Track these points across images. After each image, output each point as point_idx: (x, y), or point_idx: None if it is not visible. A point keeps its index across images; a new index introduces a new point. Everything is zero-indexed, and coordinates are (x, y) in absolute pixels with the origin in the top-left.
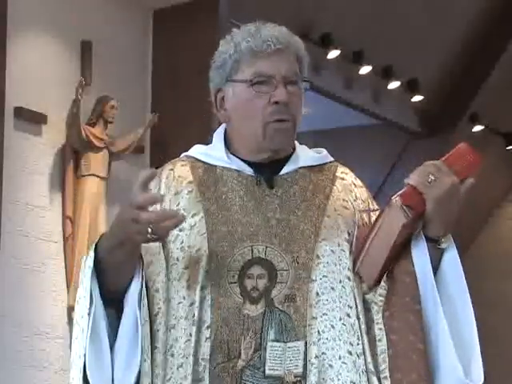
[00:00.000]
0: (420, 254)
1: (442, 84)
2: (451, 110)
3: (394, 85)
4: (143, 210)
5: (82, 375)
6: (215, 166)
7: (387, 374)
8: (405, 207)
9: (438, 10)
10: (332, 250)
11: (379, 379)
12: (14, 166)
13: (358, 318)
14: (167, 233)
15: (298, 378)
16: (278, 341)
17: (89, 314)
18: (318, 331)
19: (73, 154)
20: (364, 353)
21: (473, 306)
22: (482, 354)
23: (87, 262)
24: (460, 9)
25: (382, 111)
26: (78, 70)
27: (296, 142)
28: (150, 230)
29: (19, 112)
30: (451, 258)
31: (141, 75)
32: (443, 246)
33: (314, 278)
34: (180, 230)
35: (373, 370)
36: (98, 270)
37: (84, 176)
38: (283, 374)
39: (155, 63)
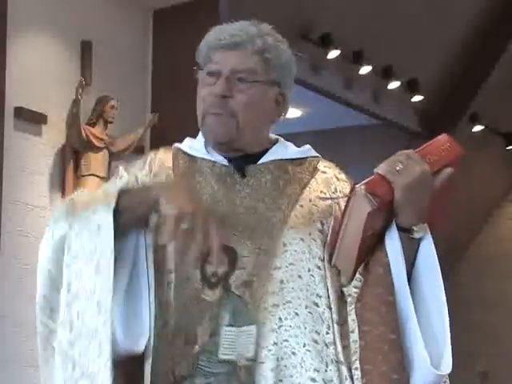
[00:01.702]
0: (393, 244)
1: (442, 84)
2: (451, 109)
3: (393, 85)
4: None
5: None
6: (196, 157)
7: (358, 365)
8: (370, 195)
9: (438, 9)
10: (301, 239)
11: (350, 370)
12: (14, 166)
13: (330, 308)
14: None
15: (250, 362)
16: (232, 325)
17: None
18: (280, 318)
19: (73, 154)
20: (335, 342)
21: (473, 306)
22: (481, 354)
23: (107, 218)
24: (460, 9)
25: (381, 111)
26: (78, 70)
27: (281, 138)
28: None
29: (19, 112)
30: (425, 249)
31: (141, 75)
32: (416, 235)
33: (278, 265)
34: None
35: (343, 360)
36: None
37: (84, 176)
38: (236, 359)
39: (155, 63)
